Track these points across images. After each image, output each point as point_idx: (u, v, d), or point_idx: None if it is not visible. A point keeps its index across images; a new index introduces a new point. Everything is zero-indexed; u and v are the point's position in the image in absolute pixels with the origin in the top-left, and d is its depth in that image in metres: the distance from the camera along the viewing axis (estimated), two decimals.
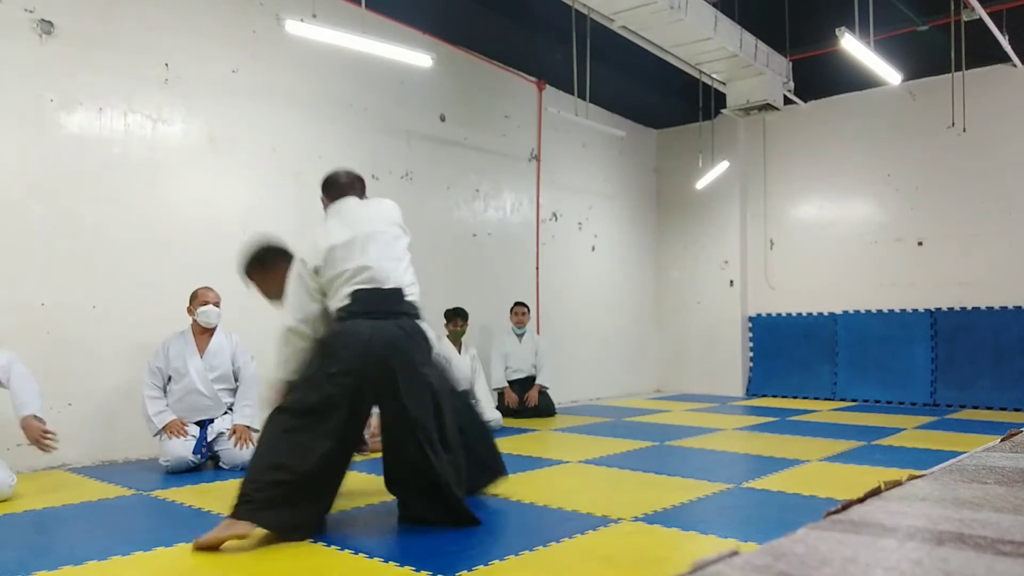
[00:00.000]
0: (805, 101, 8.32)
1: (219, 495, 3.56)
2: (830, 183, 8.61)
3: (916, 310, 7.96)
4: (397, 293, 3.02)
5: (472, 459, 3.27)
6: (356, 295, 2.98)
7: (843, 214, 8.53)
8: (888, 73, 6.29)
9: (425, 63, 5.47)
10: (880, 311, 8.19)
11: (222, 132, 5.18)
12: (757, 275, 9.12)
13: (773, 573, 0.72)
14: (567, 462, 4.50)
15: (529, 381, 6.93)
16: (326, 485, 2.89)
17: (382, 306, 2.98)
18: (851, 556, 0.79)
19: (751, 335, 9.12)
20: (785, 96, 7.74)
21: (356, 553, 2.66)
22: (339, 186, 3.37)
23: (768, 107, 7.44)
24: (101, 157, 4.59)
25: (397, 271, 3.07)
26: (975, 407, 7.35)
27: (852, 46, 5.65)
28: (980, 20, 6.14)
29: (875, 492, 1.10)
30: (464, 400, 3.46)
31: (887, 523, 0.93)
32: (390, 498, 3.52)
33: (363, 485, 3.78)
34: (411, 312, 3.06)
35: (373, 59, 5.52)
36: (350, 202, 3.29)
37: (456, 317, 6.32)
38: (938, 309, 7.82)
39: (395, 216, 3.25)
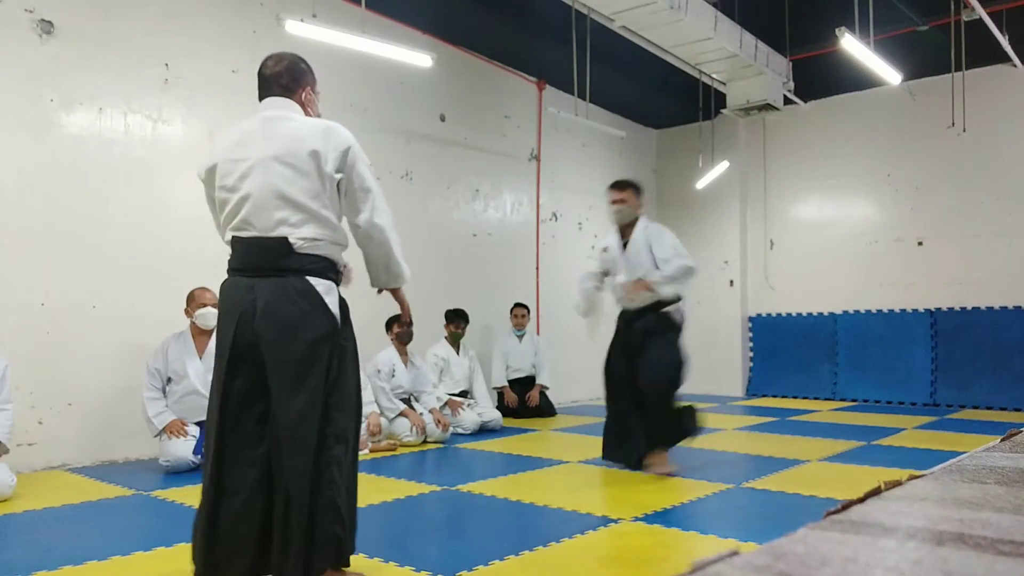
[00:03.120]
0: (805, 101, 8.32)
1: None
2: (830, 183, 8.60)
3: (916, 310, 7.95)
4: (280, 244, 2.15)
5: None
6: (233, 244, 2.24)
7: (843, 214, 8.53)
8: (888, 73, 6.29)
9: (425, 63, 5.48)
10: (880, 311, 8.19)
11: (222, 132, 5.17)
12: (757, 275, 9.12)
13: (773, 573, 0.72)
14: (567, 462, 4.50)
15: (529, 381, 6.93)
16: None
17: (261, 262, 2.17)
18: (851, 556, 0.79)
19: (751, 335, 9.12)
20: (785, 96, 7.74)
21: (356, 553, 2.65)
22: (261, 81, 2.40)
23: (768, 107, 7.44)
24: (101, 157, 4.58)
25: (284, 212, 2.16)
26: (975, 407, 7.35)
27: (852, 46, 5.65)
28: (980, 20, 6.13)
29: (875, 492, 1.10)
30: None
31: (887, 523, 0.93)
32: (390, 498, 3.52)
33: (361, 485, 3.77)
34: (301, 268, 2.16)
35: (373, 59, 5.52)
36: (264, 110, 2.36)
37: (457, 319, 6.29)
38: (938, 309, 7.82)
39: (321, 145, 2.19)
